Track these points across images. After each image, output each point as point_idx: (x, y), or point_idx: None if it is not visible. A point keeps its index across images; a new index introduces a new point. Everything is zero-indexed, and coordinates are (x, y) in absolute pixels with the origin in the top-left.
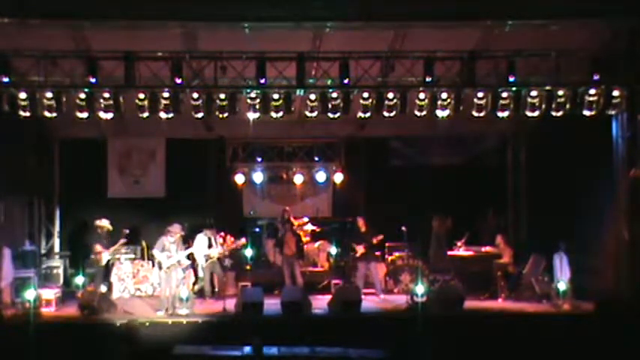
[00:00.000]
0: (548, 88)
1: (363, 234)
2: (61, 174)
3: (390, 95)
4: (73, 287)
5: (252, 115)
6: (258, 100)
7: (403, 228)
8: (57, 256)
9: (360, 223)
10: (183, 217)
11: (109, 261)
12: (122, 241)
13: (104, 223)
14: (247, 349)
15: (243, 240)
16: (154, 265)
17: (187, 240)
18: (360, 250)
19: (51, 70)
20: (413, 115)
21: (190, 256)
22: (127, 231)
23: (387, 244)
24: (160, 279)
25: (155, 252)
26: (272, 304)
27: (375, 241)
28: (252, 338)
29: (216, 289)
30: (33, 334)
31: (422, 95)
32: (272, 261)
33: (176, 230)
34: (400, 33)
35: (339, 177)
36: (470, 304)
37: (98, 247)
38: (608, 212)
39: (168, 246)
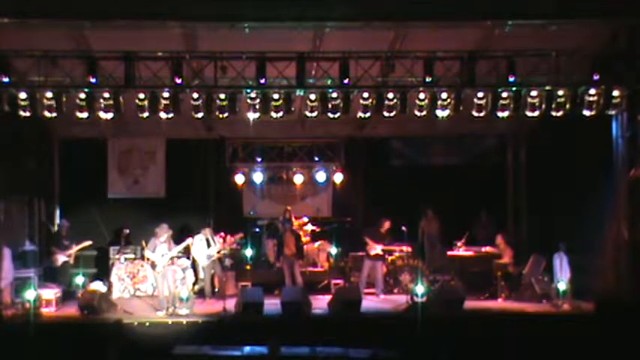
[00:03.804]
0: (548, 88)
1: (383, 235)
2: (61, 174)
3: (390, 95)
4: (73, 287)
5: (252, 115)
6: (258, 100)
7: (403, 228)
8: None
9: (387, 224)
10: (183, 217)
11: (65, 262)
12: (84, 244)
13: (63, 226)
14: (247, 349)
15: (240, 234)
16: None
17: (182, 240)
18: (377, 250)
19: (51, 70)
20: (413, 115)
21: (190, 257)
22: (127, 231)
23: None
24: (155, 280)
25: (147, 253)
26: (272, 304)
27: (398, 250)
28: (270, 338)
29: (216, 289)
30: (33, 334)
31: (422, 95)
32: (272, 261)
33: (163, 230)
34: (400, 33)
35: (339, 177)
36: (470, 304)
37: (54, 250)
38: (608, 212)
39: (159, 246)
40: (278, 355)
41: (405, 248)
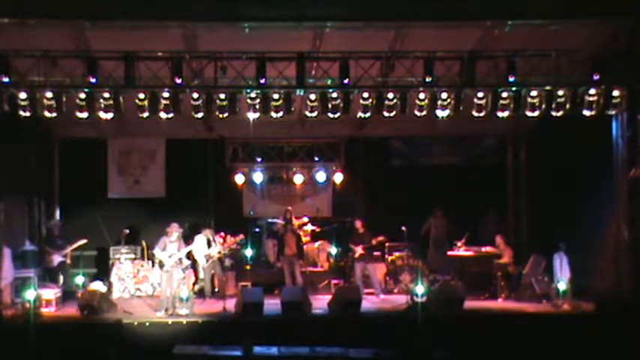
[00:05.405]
0: (548, 88)
1: (361, 235)
2: (61, 174)
3: (390, 95)
4: (73, 287)
5: (252, 115)
6: (258, 100)
7: (403, 228)
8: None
9: (358, 224)
10: (183, 217)
11: (62, 262)
12: (79, 242)
13: (55, 225)
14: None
15: (240, 236)
16: (154, 265)
17: (187, 240)
18: (359, 251)
19: (51, 70)
20: (413, 115)
21: (190, 257)
22: (127, 231)
23: (387, 244)
24: (161, 279)
25: (156, 252)
26: (272, 304)
27: (374, 242)
28: (243, 338)
29: (217, 289)
30: (33, 334)
31: (422, 95)
32: (272, 261)
33: (174, 229)
34: (400, 33)
35: (339, 177)
36: (470, 304)
37: (48, 249)
38: (608, 212)
39: (169, 245)
40: (251, 355)
41: (380, 238)
